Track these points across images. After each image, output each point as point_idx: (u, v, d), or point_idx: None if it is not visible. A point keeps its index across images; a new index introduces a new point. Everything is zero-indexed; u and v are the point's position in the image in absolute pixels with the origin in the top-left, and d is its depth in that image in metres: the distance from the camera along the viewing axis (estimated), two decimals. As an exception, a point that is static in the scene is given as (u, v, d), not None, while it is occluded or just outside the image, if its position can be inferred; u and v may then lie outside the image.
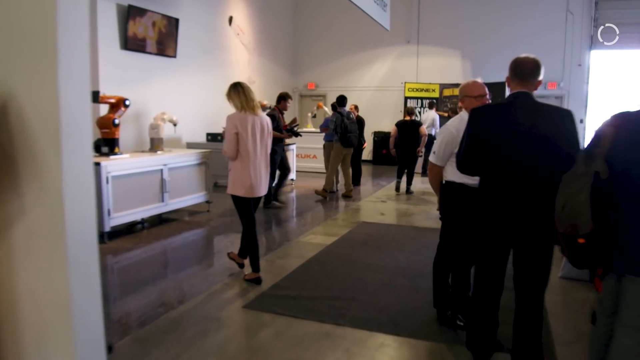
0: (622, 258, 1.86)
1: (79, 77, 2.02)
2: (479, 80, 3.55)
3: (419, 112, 13.79)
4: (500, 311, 2.82)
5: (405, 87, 13.94)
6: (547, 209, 2.18)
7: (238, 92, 4.27)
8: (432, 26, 14.25)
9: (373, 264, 4.93)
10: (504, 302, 2.80)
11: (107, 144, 6.02)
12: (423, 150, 9.47)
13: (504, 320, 2.84)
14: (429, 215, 7.33)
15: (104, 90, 6.90)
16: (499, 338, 2.90)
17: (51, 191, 1.97)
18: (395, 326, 3.50)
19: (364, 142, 9.89)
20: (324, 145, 9.39)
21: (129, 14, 8.16)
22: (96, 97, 5.82)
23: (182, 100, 9.75)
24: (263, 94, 13.45)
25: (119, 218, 5.74)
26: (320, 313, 3.68)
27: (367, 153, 13.51)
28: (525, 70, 2.82)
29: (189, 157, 7.02)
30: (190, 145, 9.51)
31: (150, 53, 8.91)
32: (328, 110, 11.83)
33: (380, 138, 13.95)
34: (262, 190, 4.45)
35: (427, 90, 13.88)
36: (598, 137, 1.94)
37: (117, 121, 6.05)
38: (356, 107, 10.13)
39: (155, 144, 6.94)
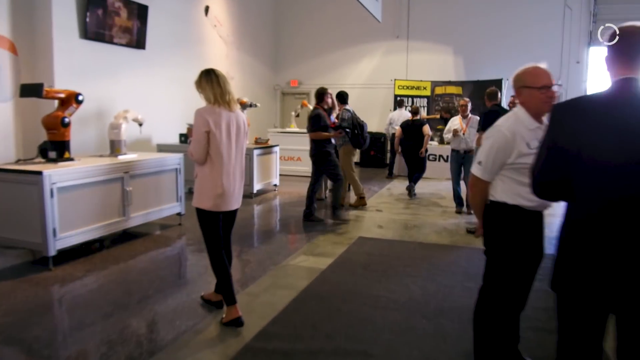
0: None
1: None
2: (543, 65, 2.65)
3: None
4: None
5: (395, 84, 13.09)
6: None
7: (211, 80, 3.34)
8: (422, 20, 13.43)
9: (381, 296, 4.01)
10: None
11: (55, 148, 4.98)
12: (425, 151, 8.82)
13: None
14: (433, 228, 6.46)
15: (61, 85, 5.85)
16: None
17: None
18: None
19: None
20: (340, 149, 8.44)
21: (89, -1, 7.09)
22: (38, 91, 4.77)
23: (152, 97, 8.69)
24: (242, 91, 12.45)
25: (68, 238, 4.70)
26: (324, 378, 2.74)
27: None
28: (637, 44, 1.92)
29: (157, 162, 6.00)
30: (161, 148, 8.46)
31: (115, 44, 7.83)
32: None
33: (370, 139, 13.03)
34: (235, 203, 3.55)
35: (418, 87, 13.06)
36: None
37: (67, 120, 5.02)
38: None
39: (116, 147, 5.92)
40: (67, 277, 4.40)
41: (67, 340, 3.36)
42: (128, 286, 4.34)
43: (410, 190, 8.84)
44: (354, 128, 7.51)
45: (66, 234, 4.66)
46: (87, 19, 7.11)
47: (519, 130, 2.51)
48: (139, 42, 8.44)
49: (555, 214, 2.55)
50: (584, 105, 1.98)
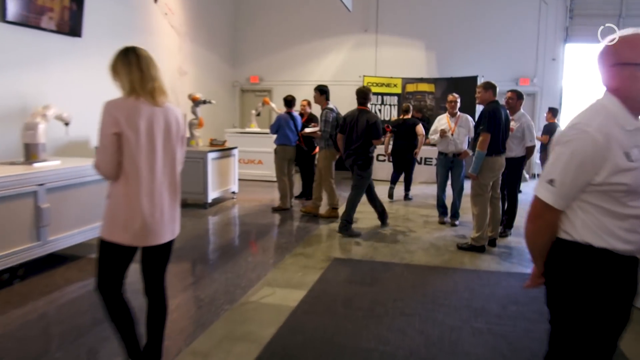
0: None
1: None
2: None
3: (379, 111, 12.12)
4: None
5: (363, 81, 12.18)
6: None
7: (129, 63, 2.32)
8: (392, 13, 12.60)
9: (373, 351, 3.03)
10: None
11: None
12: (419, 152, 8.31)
13: None
14: (418, 244, 5.55)
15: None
16: None
17: None
18: None
19: (316, 145, 7.87)
20: (275, 150, 7.41)
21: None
22: None
23: (89, 92, 7.40)
24: (197, 87, 11.27)
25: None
26: None
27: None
28: None
29: (83, 170, 4.81)
30: (98, 151, 7.22)
31: (43, 29, 6.55)
32: (275, 106, 9.90)
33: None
34: (166, 233, 2.48)
35: (388, 85, 12.20)
36: None
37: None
38: (309, 103, 8.24)
39: (32, 153, 4.72)
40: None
41: None
42: (33, 342, 3.19)
43: (391, 193, 8.46)
44: (337, 128, 6.59)
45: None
46: (6, -3, 5.84)
47: (613, 133, 1.59)
48: (73, 29, 7.16)
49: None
50: None
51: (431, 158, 10.29)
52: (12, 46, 6.05)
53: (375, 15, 12.66)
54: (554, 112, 8.77)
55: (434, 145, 6.93)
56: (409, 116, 8.48)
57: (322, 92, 6.71)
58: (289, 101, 7.40)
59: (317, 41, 13.01)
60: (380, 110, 12.11)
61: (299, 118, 7.55)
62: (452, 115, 6.48)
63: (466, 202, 7.18)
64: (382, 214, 6.48)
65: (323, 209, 6.92)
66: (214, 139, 8.04)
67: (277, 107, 9.56)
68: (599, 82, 1.80)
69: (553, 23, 11.88)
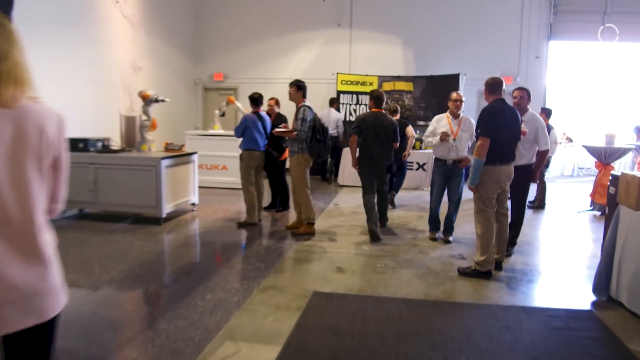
0: None
1: None
2: None
3: (354, 111, 11.25)
4: None
5: (337, 78, 11.29)
6: None
7: None
8: (367, 7, 11.78)
9: None
10: None
11: None
12: (408, 154, 7.75)
13: None
14: (412, 268, 4.66)
15: None
16: None
17: None
18: None
19: (285, 147, 6.88)
20: (240, 156, 6.42)
21: None
22: None
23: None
24: (154, 85, 10.12)
25: None
26: None
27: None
28: None
29: None
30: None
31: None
32: (241, 106, 8.90)
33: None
34: (18, 314, 1.46)
35: (363, 83, 11.34)
36: None
37: None
38: (277, 102, 7.28)
39: None
40: None
41: None
42: None
43: (391, 200, 7.73)
44: (315, 132, 5.65)
45: None
46: None
47: None
48: (-3, 12, 6.00)
49: None
50: None
51: (412, 162, 9.45)
52: None
53: (349, 9, 11.80)
54: (547, 112, 8.03)
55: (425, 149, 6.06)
56: (398, 117, 7.84)
57: (299, 87, 5.77)
58: (256, 99, 6.43)
59: (287, 36, 12.05)
60: (355, 110, 11.26)
61: (267, 119, 6.58)
62: (455, 116, 5.60)
63: (463, 217, 6.41)
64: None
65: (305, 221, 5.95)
66: (169, 143, 6.98)
67: (243, 106, 8.57)
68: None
69: (536, 19, 11.28)
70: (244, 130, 6.28)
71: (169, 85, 11.17)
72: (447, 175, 5.57)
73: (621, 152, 7.59)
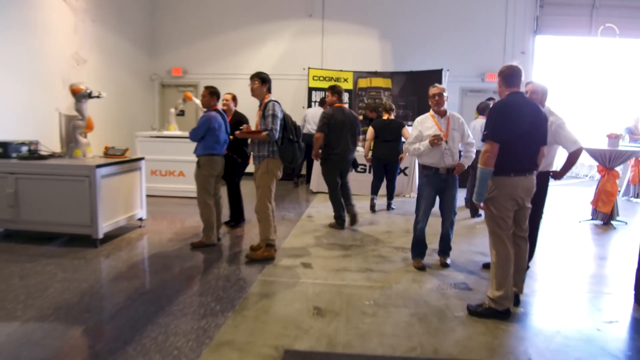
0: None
1: None
2: None
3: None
4: None
5: (308, 74, 10.28)
6: None
7: None
8: (340, -5, 10.80)
9: None
10: None
11: None
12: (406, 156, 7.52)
13: None
14: (407, 306, 3.68)
15: None
16: None
17: None
18: None
19: (249, 154, 5.77)
20: (198, 163, 5.30)
21: None
22: None
23: None
24: (102, 80, 8.96)
25: None
26: None
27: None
28: None
29: None
30: None
31: None
32: (200, 103, 7.77)
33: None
34: None
35: (337, 79, 10.37)
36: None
37: None
38: (234, 98, 6.20)
39: None
40: None
41: None
42: None
43: (373, 204, 7.49)
44: (286, 130, 4.72)
45: None
46: None
47: None
48: None
49: None
50: None
51: (364, 165, 8.53)
52: None
53: (321, -2, 10.80)
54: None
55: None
56: (393, 116, 7.40)
57: (263, 80, 4.74)
58: (214, 92, 5.34)
59: (253, 27, 10.97)
60: (328, 109, 10.22)
61: (226, 118, 5.50)
62: (440, 114, 4.64)
63: (456, 230, 5.51)
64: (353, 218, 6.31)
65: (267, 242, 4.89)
66: (110, 147, 5.82)
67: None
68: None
69: (522, 12, 10.54)
70: (206, 131, 5.17)
71: (120, 81, 9.95)
72: (440, 186, 4.59)
73: (627, 156, 6.84)
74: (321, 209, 7.36)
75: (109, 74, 9.57)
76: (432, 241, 4.99)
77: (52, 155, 5.62)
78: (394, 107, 7.66)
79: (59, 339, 3.09)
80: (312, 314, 3.53)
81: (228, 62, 10.91)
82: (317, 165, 8.83)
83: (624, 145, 7.77)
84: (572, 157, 4.15)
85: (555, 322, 3.51)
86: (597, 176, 7.93)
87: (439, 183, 4.57)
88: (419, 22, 10.56)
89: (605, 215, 6.91)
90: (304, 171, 10.19)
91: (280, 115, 4.59)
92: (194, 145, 5.31)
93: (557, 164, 4.50)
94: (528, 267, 4.21)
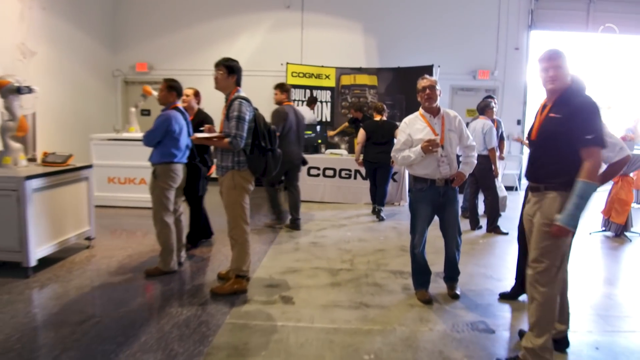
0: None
1: None
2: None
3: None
4: None
5: (287, 70, 9.39)
6: None
7: None
8: (321, -15, 9.94)
9: None
10: None
11: None
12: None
13: None
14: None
15: None
16: None
17: None
18: None
19: (211, 164, 5.07)
20: (154, 173, 4.35)
21: None
22: None
23: None
24: (56, 75, 7.98)
25: None
26: None
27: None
28: None
29: None
30: None
31: None
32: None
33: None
34: None
35: (318, 76, 9.53)
36: None
37: None
38: (196, 94, 5.25)
39: None
40: None
41: None
42: None
43: (378, 213, 6.91)
44: (257, 135, 3.75)
45: None
46: None
47: None
48: None
49: None
50: None
51: (348, 170, 7.69)
52: None
53: (300, -13, 9.93)
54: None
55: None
56: (384, 117, 6.97)
57: (231, 70, 3.83)
58: (174, 87, 4.41)
59: (226, 19, 10.03)
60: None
61: (188, 118, 4.57)
62: (433, 112, 3.76)
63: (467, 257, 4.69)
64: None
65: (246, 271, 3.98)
66: (49, 154, 4.83)
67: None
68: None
69: (516, 6, 9.88)
70: (163, 136, 4.24)
71: (77, 77, 8.93)
72: (437, 202, 3.73)
73: (646, 160, 6.13)
74: (302, 222, 6.48)
75: (63, 69, 8.54)
76: (434, 262, 4.16)
77: (-24, 164, 4.61)
78: (385, 107, 7.08)
79: None
80: (295, 379, 2.65)
81: (198, 56, 9.93)
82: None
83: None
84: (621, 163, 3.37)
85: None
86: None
87: (436, 198, 3.71)
88: (406, 15, 9.78)
89: (618, 227, 6.21)
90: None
91: (248, 116, 3.68)
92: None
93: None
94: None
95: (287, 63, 9.42)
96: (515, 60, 9.90)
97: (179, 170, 4.32)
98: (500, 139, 7.02)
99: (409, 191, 3.94)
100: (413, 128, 3.75)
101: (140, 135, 7.16)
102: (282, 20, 9.97)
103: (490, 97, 6.74)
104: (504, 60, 9.88)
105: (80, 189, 4.96)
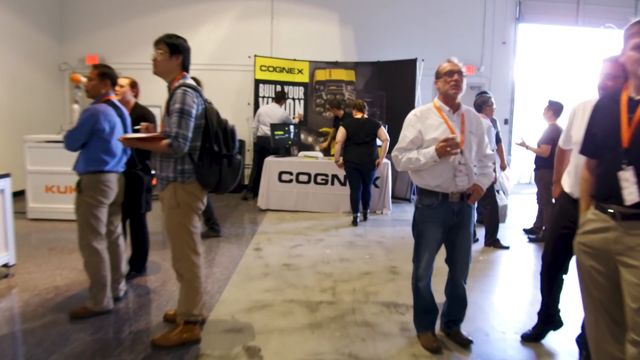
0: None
1: None
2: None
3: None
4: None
5: (255, 63, 8.47)
6: None
7: None
8: (293, -29, 9.06)
9: None
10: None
11: None
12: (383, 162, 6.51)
13: None
14: None
15: None
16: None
17: None
18: None
19: (154, 172, 4.07)
20: (79, 185, 3.36)
21: None
22: None
23: None
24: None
25: None
26: None
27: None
28: None
29: None
30: None
31: None
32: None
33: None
34: None
35: (290, 70, 8.65)
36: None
37: None
38: (133, 85, 4.21)
39: None
40: None
41: None
42: None
43: (356, 221, 6.39)
44: (208, 137, 2.82)
45: None
46: None
47: None
48: None
49: None
50: None
51: (325, 175, 6.84)
52: None
53: (269, -27, 9.03)
54: (555, 109, 5.62)
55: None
56: (365, 115, 6.40)
57: (174, 49, 2.94)
58: (107, 74, 3.45)
59: (187, 7, 9.06)
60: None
61: (126, 113, 3.61)
62: (453, 106, 2.88)
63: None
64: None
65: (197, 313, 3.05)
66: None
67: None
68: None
69: (503, -1, 9.18)
70: (89, 136, 3.28)
71: (16, 71, 7.85)
72: (451, 222, 2.87)
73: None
74: (274, 239, 5.59)
75: (2, 63, 7.45)
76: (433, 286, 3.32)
77: None
78: (365, 105, 6.46)
79: None
80: None
81: (156, 48, 8.91)
82: (267, 176, 7.08)
83: None
84: None
85: None
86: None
87: (449, 217, 2.85)
88: (386, 6, 9.01)
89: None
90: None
91: (195, 111, 2.77)
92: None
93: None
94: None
95: (255, 56, 8.49)
96: (502, 55, 9.25)
97: (111, 182, 3.35)
98: (497, 141, 6.05)
99: (416, 212, 3.03)
100: (426, 123, 2.83)
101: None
102: (250, 9, 9.05)
103: (484, 92, 5.93)
104: (491, 54, 9.21)
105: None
